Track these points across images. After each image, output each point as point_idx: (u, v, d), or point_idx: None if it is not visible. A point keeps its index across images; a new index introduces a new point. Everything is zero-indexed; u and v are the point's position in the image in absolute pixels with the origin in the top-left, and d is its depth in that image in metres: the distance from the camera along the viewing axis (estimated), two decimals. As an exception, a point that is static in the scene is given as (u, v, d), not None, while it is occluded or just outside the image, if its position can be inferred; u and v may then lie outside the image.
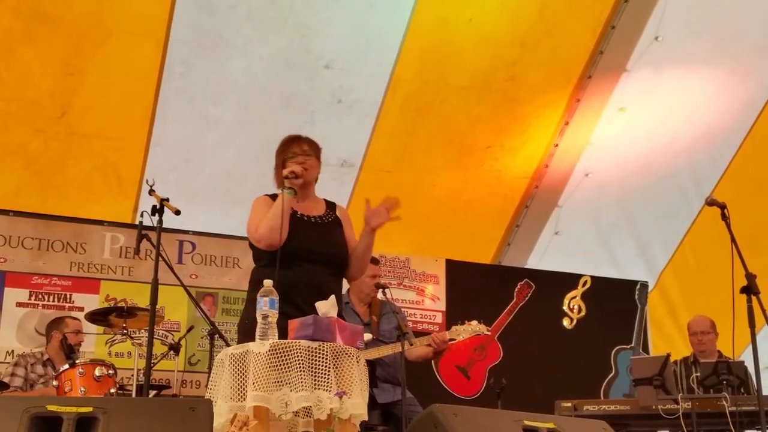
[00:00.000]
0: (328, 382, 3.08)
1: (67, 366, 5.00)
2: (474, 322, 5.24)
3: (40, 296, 6.23)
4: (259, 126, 6.44)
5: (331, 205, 3.98)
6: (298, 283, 3.61)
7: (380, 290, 5.16)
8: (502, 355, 7.27)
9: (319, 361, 3.10)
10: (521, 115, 6.82)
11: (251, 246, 3.83)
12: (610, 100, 6.74)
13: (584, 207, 7.40)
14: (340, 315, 3.48)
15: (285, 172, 3.73)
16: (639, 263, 7.89)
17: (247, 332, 3.47)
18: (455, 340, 5.35)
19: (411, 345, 5.08)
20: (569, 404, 5.27)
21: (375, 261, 5.48)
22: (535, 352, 7.30)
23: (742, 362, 5.23)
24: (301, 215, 3.84)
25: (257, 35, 6.05)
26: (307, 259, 3.70)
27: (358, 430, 3.25)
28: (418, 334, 5.98)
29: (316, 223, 3.85)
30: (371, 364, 4.94)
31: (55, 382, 5.00)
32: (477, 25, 6.23)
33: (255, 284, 3.67)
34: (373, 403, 4.92)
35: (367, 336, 5.02)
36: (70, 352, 5.29)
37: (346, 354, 3.20)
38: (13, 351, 5.96)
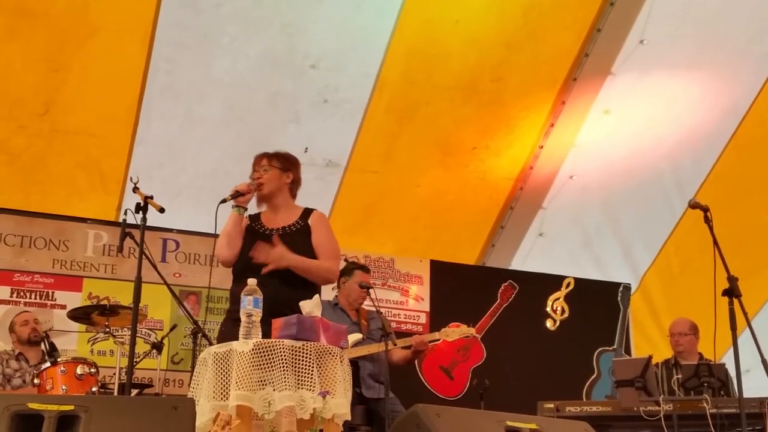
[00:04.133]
0: (311, 382, 3.08)
1: (48, 364, 4.97)
2: (463, 325, 5.30)
3: (21, 293, 6.19)
4: (244, 125, 6.43)
5: (306, 213, 4.01)
6: None
7: (365, 290, 5.18)
8: (485, 355, 7.28)
9: (302, 360, 3.10)
10: (506, 117, 6.83)
11: None
12: (595, 103, 6.76)
13: (568, 209, 7.43)
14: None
15: (228, 195, 3.86)
16: (622, 265, 7.93)
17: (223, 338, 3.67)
18: (438, 341, 5.40)
19: (395, 345, 5.10)
20: (551, 405, 5.28)
21: (366, 269, 5.52)
22: (518, 353, 7.32)
23: (723, 365, 5.26)
24: (261, 229, 3.95)
25: (243, 34, 6.04)
26: (256, 273, 3.71)
27: (341, 429, 3.25)
28: (402, 334, 5.99)
29: (272, 236, 3.90)
30: (355, 364, 4.96)
31: (36, 380, 4.97)
32: (463, 26, 6.23)
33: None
34: (359, 399, 4.94)
35: (358, 336, 5.05)
36: (52, 350, 5.26)
37: (330, 353, 3.20)
38: (-7, 348, 5.93)
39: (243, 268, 3.82)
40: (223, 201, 3.84)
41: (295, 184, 4.07)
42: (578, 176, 7.24)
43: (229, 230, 3.87)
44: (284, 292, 3.67)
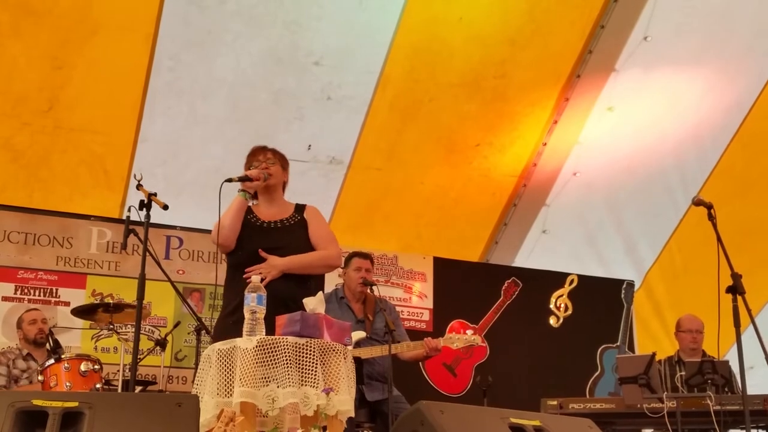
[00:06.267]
0: (315, 379, 3.08)
1: (52, 361, 4.99)
2: (469, 332, 5.25)
3: (26, 290, 6.20)
4: (248, 122, 6.43)
5: (300, 208, 4.03)
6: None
7: (367, 288, 5.17)
8: (488, 353, 7.28)
9: (306, 357, 3.10)
10: (510, 114, 6.83)
11: None
12: (599, 100, 6.75)
13: (572, 206, 7.42)
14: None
15: (236, 176, 3.83)
16: (626, 262, 7.92)
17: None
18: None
19: (397, 342, 5.08)
20: (555, 402, 5.29)
21: (363, 255, 5.48)
22: (522, 350, 7.32)
23: (727, 362, 5.26)
24: (258, 222, 3.93)
25: (246, 31, 6.04)
26: (254, 264, 3.75)
27: (344, 426, 3.25)
28: (407, 331, 5.97)
29: (270, 228, 3.91)
30: (359, 362, 4.95)
31: (40, 377, 4.99)
32: (467, 23, 6.23)
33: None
34: (361, 401, 4.94)
35: (361, 334, 5.04)
36: (55, 347, 5.28)
37: (334, 350, 3.21)
38: (-2, 345, 5.95)
39: (241, 261, 3.81)
40: (230, 180, 3.79)
41: (286, 184, 4.13)
42: (582, 173, 7.23)
43: (232, 213, 3.83)
44: (282, 284, 3.69)
